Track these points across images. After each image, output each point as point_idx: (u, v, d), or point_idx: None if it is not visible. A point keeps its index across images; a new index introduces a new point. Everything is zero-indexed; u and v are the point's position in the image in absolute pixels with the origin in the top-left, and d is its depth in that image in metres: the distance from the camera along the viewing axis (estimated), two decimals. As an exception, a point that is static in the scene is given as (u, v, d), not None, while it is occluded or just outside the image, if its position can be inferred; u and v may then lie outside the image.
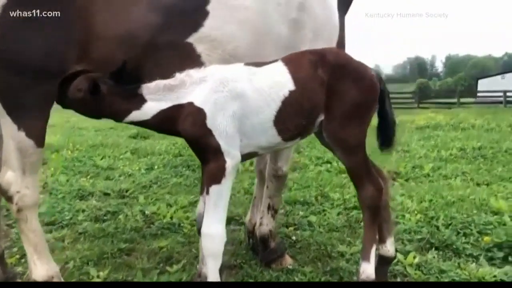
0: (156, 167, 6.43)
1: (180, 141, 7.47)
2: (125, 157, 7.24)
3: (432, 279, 3.06)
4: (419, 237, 3.68)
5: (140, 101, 2.46)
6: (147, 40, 2.56)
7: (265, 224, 3.34)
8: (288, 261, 3.34)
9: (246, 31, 2.77)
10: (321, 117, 2.61)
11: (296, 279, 3.07)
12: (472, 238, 3.64)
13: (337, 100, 2.56)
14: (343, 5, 3.37)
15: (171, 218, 4.23)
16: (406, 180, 5.83)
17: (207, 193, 2.44)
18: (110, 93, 2.44)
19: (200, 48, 2.66)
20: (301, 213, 4.35)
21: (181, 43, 2.62)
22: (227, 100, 2.41)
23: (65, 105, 2.62)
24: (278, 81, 2.49)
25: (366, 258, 2.78)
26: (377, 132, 2.89)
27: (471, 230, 3.76)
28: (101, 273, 3.16)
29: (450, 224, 3.88)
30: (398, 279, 3.10)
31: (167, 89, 2.45)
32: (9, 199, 2.66)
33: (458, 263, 3.30)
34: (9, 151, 2.61)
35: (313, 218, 4.20)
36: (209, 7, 2.67)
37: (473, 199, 4.55)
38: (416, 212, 4.22)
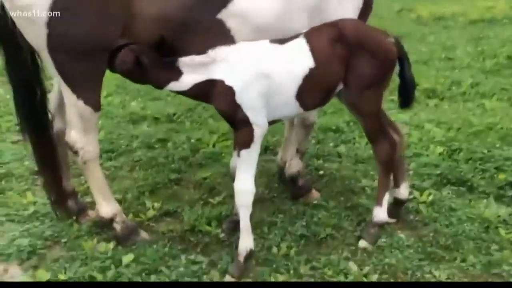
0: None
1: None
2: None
3: (442, 217, 3.45)
4: (438, 172, 4.00)
5: (177, 73, 2.80)
6: (181, 18, 2.81)
7: (293, 165, 3.75)
8: (314, 195, 3.80)
9: (273, 2, 2.93)
10: (340, 87, 2.86)
11: (320, 215, 3.54)
12: (488, 174, 3.92)
13: (355, 73, 2.79)
14: None
15: (214, 146, 4.72)
16: (441, 100, 5.95)
17: (238, 155, 2.85)
18: (151, 65, 2.77)
19: (230, 23, 2.88)
20: (331, 144, 4.71)
21: (212, 20, 2.85)
22: (254, 78, 2.70)
23: (114, 71, 2.99)
24: (299, 59, 2.74)
25: (379, 203, 3.20)
26: (397, 92, 3.12)
27: (490, 165, 4.02)
28: (155, 204, 3.76)
29: (470, 159, 4.15)
30: (411, 216, 3.51)
31: (200, 65, 2.76)
32: (75, 153, 3.18)
33: (470, 200, 3.65)
34: (71, 116, 3.07)
35: (342, 149, 4.57)
36: (237, -18, 2.84)
37: (500, 128, 4.72)
38: (441, 143, 4.48)
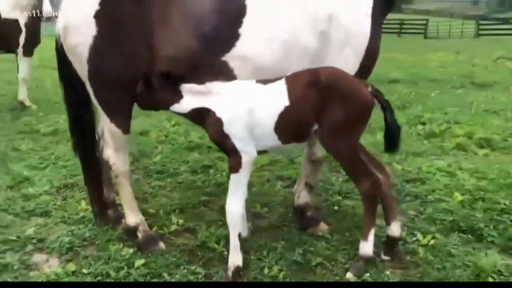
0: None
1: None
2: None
3: (436, 261, 3.49)
4: (451, 218, 4.02)
5: (179, 97, 3.30)
6: (191, 60, 3.32)
7: (302, 197, 4.03)
8: (322, 228, 4.02)
9: (273, 47, 3.35)
10: (315, 127, 3.15)
11: (319, 245, 3.76)
12: (503, 226, 3.86)
13: (326, 116, 3.08)
14: (382, 10, 3.64)
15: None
16: (493, 150, 5.81)
17: (229, 179, 3.25)
18: (158, 86, 3.30)
19: (232, 64, 3.34)
20: (356, 183, 4.89)
21: (217, 61, 3.33)
22: (240, 112, 3.12)
23: (139, 104, 3.56)
24: (277, 98, 3.10)
25: (365, 238, 3.38)
26: (383, 137, 3.33)
27: (507, 217, 3.95)
28: (179, 221, 4.24)
29: (489, 209, 4.10)
30: (408, 257, 3.59)
31: (198, 93, 3.25)
32: (109, 168, 3.80)
33: (474, 248, 3.64)
34: (107, 136, 3.70)
35: (366, 188, 4.74)
36: (241, 30, 3.31)
37: (536, 182, 4.56)
38: (467, 191, 4.45)
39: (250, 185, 4.86)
